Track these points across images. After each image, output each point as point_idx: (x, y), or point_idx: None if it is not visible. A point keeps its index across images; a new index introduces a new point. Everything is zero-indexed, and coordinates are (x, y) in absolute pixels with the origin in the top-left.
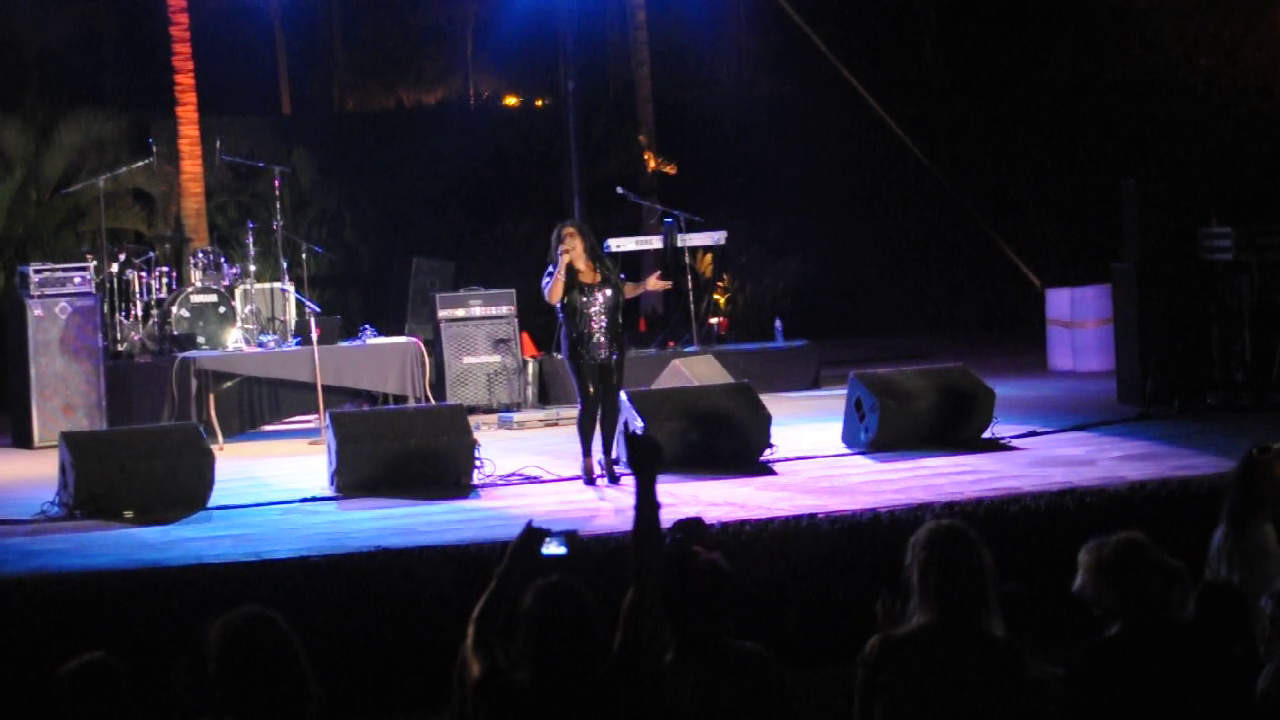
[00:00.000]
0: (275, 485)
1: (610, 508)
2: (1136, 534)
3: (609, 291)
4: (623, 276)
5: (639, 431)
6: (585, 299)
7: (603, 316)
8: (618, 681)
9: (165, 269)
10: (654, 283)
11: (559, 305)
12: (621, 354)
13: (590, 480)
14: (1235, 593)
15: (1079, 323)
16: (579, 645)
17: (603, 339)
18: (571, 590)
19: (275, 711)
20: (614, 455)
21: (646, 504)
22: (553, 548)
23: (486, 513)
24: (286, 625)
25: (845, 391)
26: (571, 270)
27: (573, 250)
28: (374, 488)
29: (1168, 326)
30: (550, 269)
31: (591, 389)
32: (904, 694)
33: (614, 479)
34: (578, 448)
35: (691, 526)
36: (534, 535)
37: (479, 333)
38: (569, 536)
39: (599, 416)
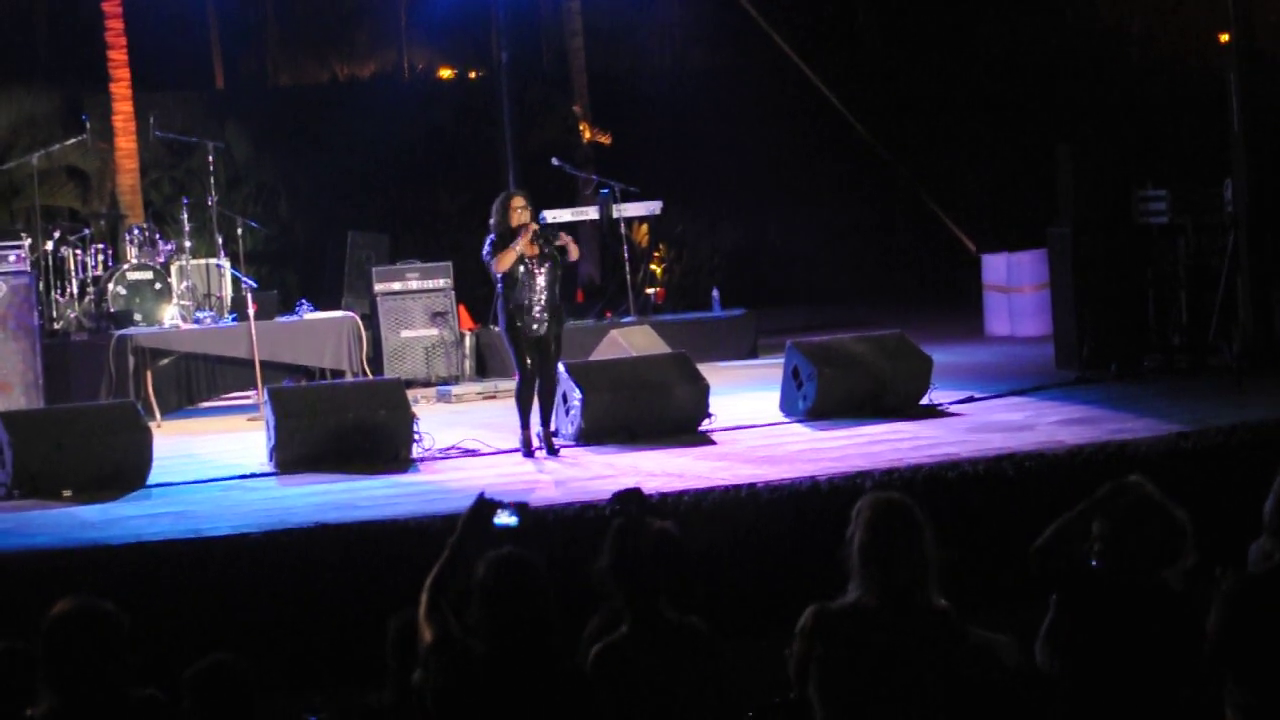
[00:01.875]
0: (214, 462)
1: (549, 480)
2: (1144, 482)
3: (549, 265)
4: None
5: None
6: (525, 271)
7: (543, 289)
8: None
9: (100, 246)
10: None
11: (499, 276)
12: (559, 327)
13: (529, 453)
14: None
15: (1015, 288)
16: (532, 615)
17: (541, 312)
18: (524, 561)
19: (99, 694)
20: (552, 427)
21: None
22: (504, 518)
23: (426, 487)
24: (116, 613)
25: (783, 360)
26: (514, 240)
27: (529, 222)
28: (313, 463)
29: (1104, 290)
30: (491, 238)
31: (529, 361)
32: (840, 666)
33: (552, 451)
34: (516, 420)
35: (630, 497)
36: (486, 506)
37: (416, 306)
38: (520, 507)
39: (537, 389)
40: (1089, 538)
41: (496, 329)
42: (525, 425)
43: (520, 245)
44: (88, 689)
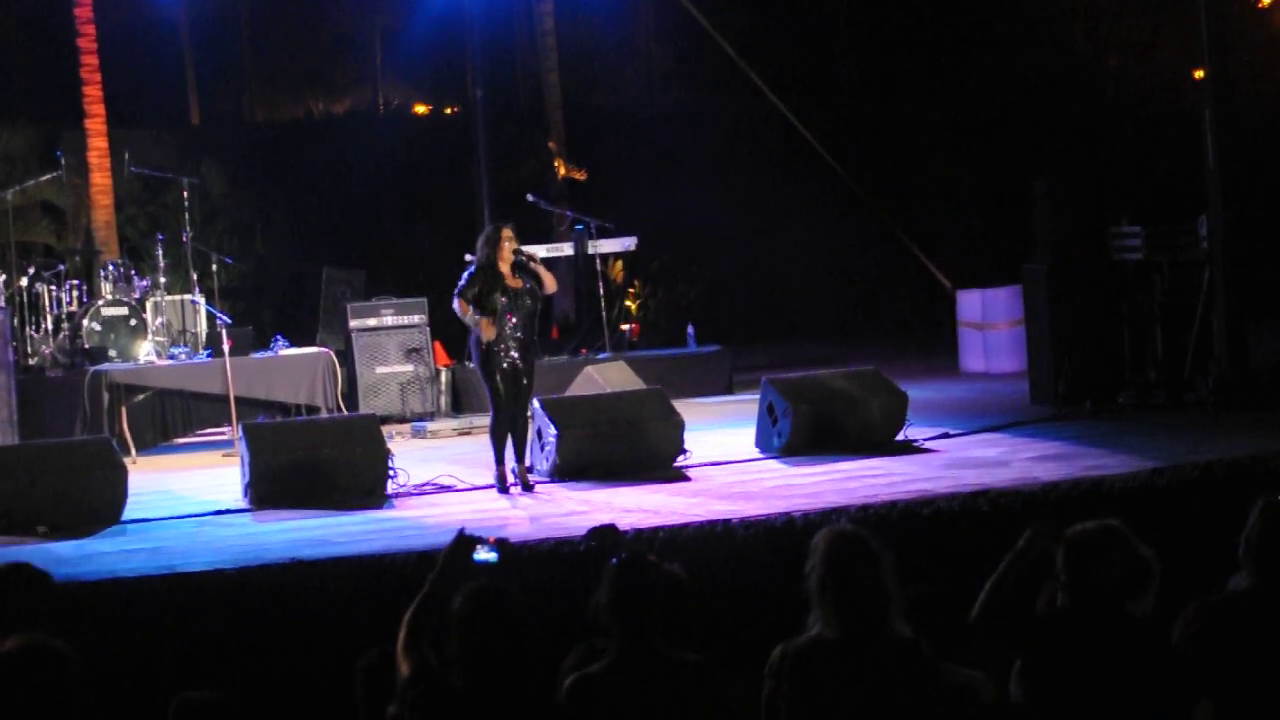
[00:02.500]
0: (189, 498)
1: (524, 515)
2: (1113, 521)
3: (528, 299)
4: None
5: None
6: (504, 304)
7: (519, 324)
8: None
9: (75, 282)
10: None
11: (473, 310)
12: (533, 362)
13: (504, 489)
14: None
15: (990, 324)
16: (509, 646)
17: (516, 346)
18: (500, 592)
19: None
20: (527, 463)
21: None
22: (484, 554)
23: (401, 522)
24: (65, 651)
25: (758, 396)
26: (497, 273)
27: (517, 251)
28: (288, 499)
29: (1079, 327)
30: (469, 271)
31: (504, 397)
32: (809, 701)
33: (528, 487)
34: (490, 456)
35: (606, 533)
36: (466, 541)
37: (391, 342)
38: (500, 543)
39: (516, 424)
40: (1034, 587)
41: (471, 365)
42: (500, 461)
43: (486, 333)
44: None
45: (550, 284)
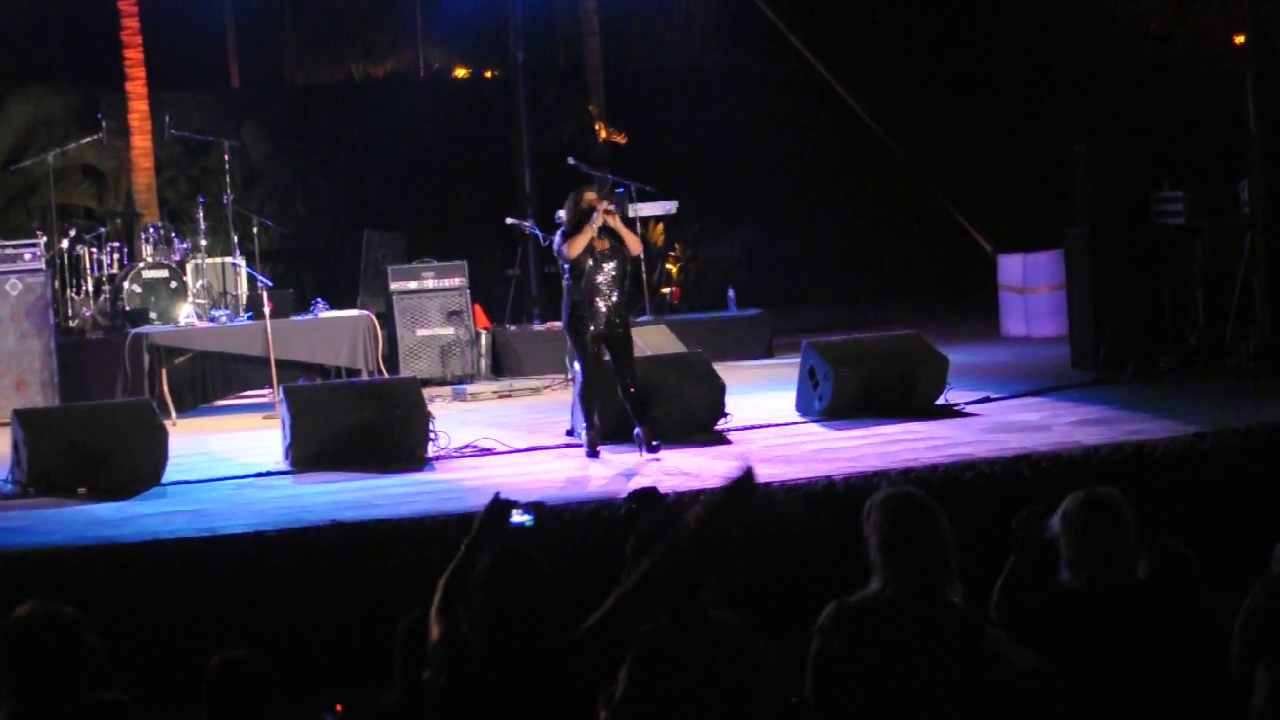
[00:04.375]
0: (229, 460)
1: (565, 478)
2: (1109, 489)
3: (616, 260)
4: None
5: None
6: (592, 265)
7: (608, 285)
8: (577, 650)
9: (116, 244)
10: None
11: (566, 266)
12: (627, 322)
13: (594, 453)
14: (1185, 554)
15: (1031, 288)
16: (527, 610)
17: (605, 306)
18: (525, 557)
19: (58, 698)
20: (569, 426)
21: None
22: (520, 517)
23: (441, 485)
24: (77, 617)
25: (799, 360)
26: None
27: (600, 204)
28: (328, 461)
29: (1120, 291)
30: (562, 230)
31: (595, 358)
32: (859, 662)
33: (651, 449)
34: (531, 419)
35: (646, 496)
36: (501, 506)
37: (431, 305)
38: (536, 507)
39: (619, 390)
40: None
41: (511, 328)
42: (590, 425)
43: (595, 225)
44: (46, 694)
45: (634, 244)
